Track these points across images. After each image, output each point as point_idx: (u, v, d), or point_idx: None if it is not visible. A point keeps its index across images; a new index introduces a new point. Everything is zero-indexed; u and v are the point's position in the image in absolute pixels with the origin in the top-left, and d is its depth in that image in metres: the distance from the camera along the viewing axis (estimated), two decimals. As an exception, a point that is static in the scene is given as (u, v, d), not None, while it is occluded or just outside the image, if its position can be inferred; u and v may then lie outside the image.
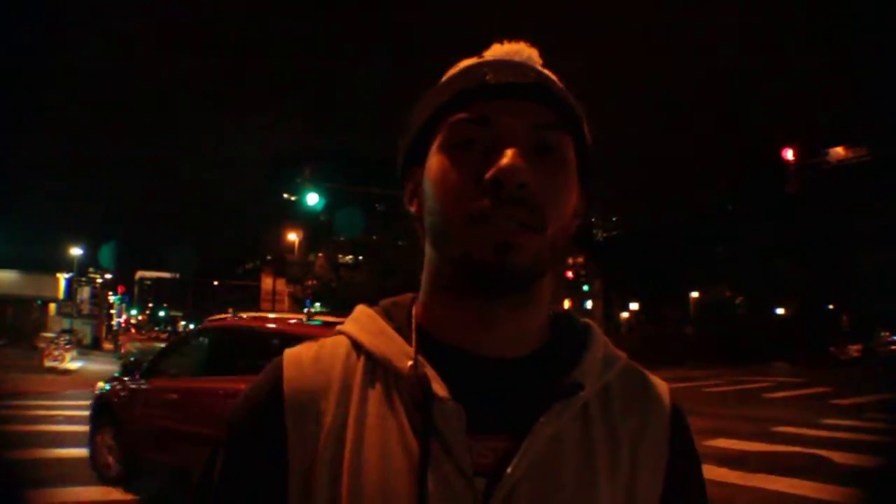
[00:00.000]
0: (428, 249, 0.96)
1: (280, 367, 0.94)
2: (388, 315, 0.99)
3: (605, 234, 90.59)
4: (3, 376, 22.00)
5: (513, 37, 0.98)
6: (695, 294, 64.69)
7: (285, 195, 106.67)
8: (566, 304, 37.74)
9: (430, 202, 0.91)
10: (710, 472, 8.66)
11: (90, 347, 58.61)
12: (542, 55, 0.97)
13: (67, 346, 40.21)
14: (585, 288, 31.67)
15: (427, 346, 0.92)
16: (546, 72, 0.94)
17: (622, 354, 1.01)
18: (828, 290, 52.45)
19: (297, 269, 63.15)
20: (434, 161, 0.90)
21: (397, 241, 71.73)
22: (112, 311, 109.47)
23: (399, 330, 0.95)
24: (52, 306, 53.51)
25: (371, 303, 1.05)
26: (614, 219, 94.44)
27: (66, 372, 27.80)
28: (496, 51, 0.98)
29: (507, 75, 0.88)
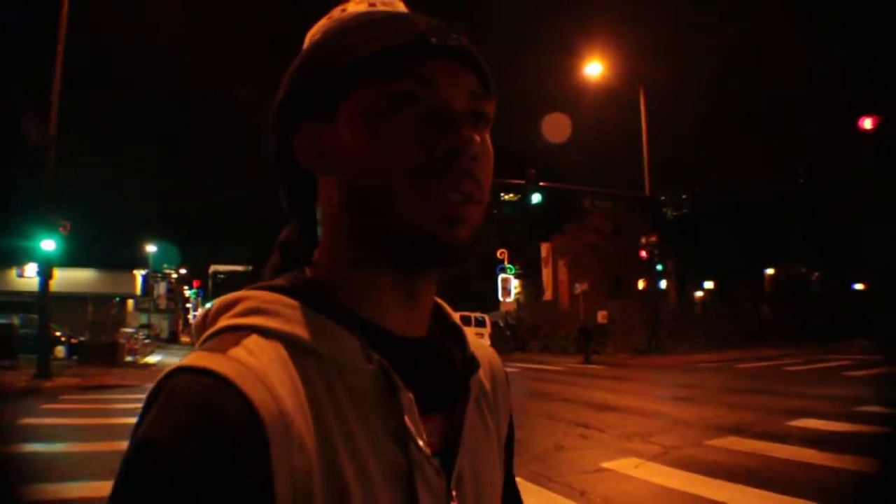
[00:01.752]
0: (343, 217, 0.86)
1: (233, 385, 0.69)
2: (306, 301, 0.83)
3: (675, 213, 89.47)
4: (85, 371, 22.48)
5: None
6: (769, 271, 63.71)
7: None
8: (640, 284, 37.31)
9: (356, 167, 0.82)
10: (797, 453, 8.53)
11: (168, 341, 59.79)
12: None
13: (146, 341, 41.10)
14: (659, 267, 31.14)
15: (361, 329, 0.82)
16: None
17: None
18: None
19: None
20: (366, 119, 0.82)
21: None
22: (188, 305, 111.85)
23: (328, 315, 0.81)
24: (130, 302, 54.68)
25: None
26: (684, 196, 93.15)
27: (145, 366, 28.39)
28: None
29: (446, 37, 0.83)
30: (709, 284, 62.34)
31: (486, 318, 39.29)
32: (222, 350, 0.74)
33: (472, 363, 0.94)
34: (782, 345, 35.21)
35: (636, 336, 33.51)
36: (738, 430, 10.35)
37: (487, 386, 1.02)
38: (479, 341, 1.05)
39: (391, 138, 0.80)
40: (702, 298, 58.38)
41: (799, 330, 40.27)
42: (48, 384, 18.45)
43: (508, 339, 38.83)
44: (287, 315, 0.80)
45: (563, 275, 47.65)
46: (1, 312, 31.88)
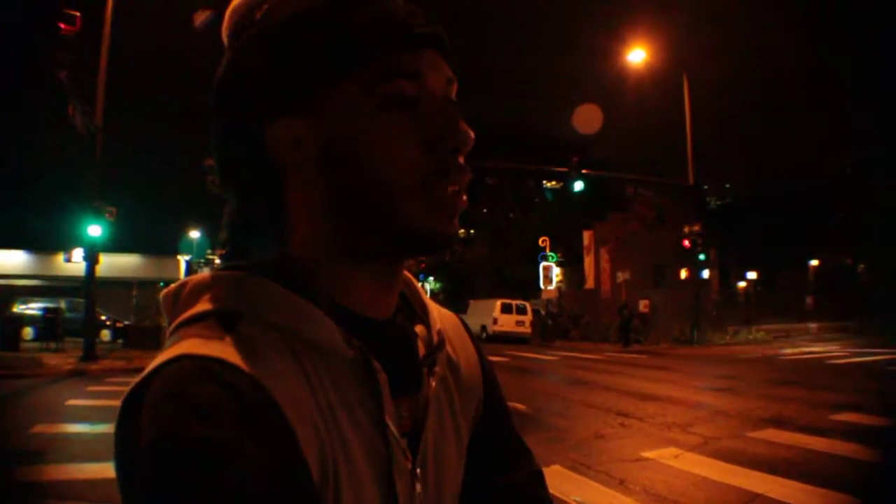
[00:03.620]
0: (327, 213, 0.83)
1: (241, 370, 0.69)
2: (291, 288, 0.80)
3: (718, 202, 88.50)
4: (130, 354, 22.79)
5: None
6: (814, 262, 62.93)
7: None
8: (682, 273, 36.98)
9: (356, 166, 0.80)
10: (839, 447, 8.44)
11: (211, 326, 60.00)
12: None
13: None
14: (702, 257, 30.85)
15: (338, 317, 0.81)
16: None
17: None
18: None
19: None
20: (364, 115, 0.79)
21: (509, 213, 72.10)
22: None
23: (309, 300, 0.80)
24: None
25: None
26: (727, 185, 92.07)
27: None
28: None
29: (426, 24, 0.82)
30: (752, 275, 61.68)
31: (528, 305, 39.25)
32: (218, 337, 0.73)
33: (439, 342, 0.95)
34: (827, 338, 34.81)
35: (678, 325, 33.28)
36: (780, 423, 10.27)
37: (454, 354, 1.03)
38: (441, 309, 1.08)
39: (394, 143, 0.79)
40: (745, 288, 57.81)
41: (844, 322, 39.82)
42: (94, 367, 18.77)
43: (549, 328, 38.74)
44: (273, 301, 0.79)
45: (605, 263, 47.38)
46: (48, 297, 32.48)
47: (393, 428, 0.82)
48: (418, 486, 0.86)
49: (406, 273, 0.98)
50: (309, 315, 0.79)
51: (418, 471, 0.87)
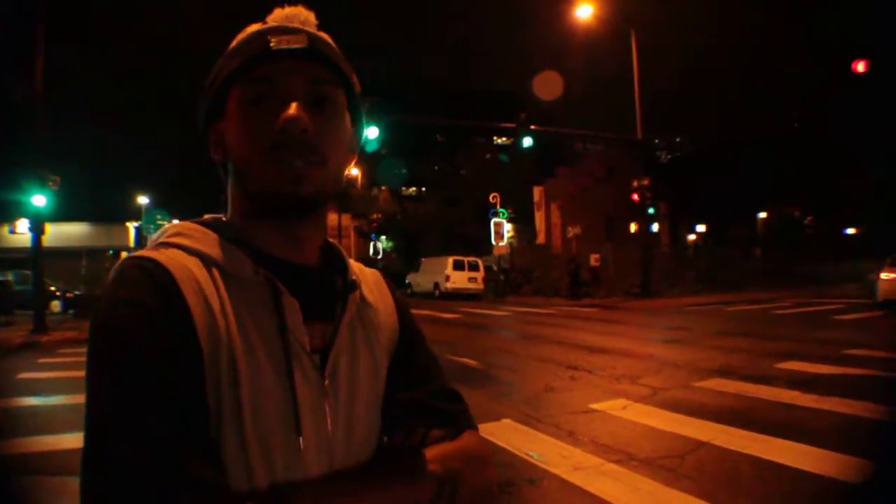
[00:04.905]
0: (233, 186, 1.19)
1: (160, 264, 1.05)
2: (216, 230, 1.16)
3: (669, 156, 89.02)
4: (81, 324, 22.56)
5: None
6: (762, 214, 63.72)
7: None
8: (632, 227, 37.30)
9: (233, 151, 1.15)
10: (781, 394, 8.67)
11: (163, 292, 59.43)
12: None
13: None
14: (651, 210, 31.07)
15: (255, 256, 1.13)
16: (320, 34, 1.19)
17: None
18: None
19: (361, 203, 63.38)
20: (234, 117, 1.14)
21: (460, 171, 71.97)
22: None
23: (231, 243, 1.14)
24: (124, 255, 54.43)
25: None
26: (678, 140, 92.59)
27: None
28: (277, 15, 1.21)
29: (287, 41, 1.13)
30: (701, 227, 62.38)
31: (480, 261, 39.40)
32: (157, 250, 1.10)
33: (352, 284, 1.26)
34: (774, 288, 35.31)
35: (628, 279, 33.61)
36: (726, 372, 10.54)
37: (372, 298, 1.32)
38: (364, 267, 1.40)
39: (248, 127, 1.12)
40: (694, 241, 58.43)
41: (791, 273, 40.41)
42: (45, 339, 18.61)
43: (501, 283, 38.96)
44: (200, 238, 1.14)
45: (555, 218, 47.62)
46: (-5, 269, 31.91)
47: (301, 340, 1.12)
48: (327, 384, 1.15)
49: (332, 240, 1.33)
50: (225, 249, 1.13)
51: (326, 382, 1.15)
